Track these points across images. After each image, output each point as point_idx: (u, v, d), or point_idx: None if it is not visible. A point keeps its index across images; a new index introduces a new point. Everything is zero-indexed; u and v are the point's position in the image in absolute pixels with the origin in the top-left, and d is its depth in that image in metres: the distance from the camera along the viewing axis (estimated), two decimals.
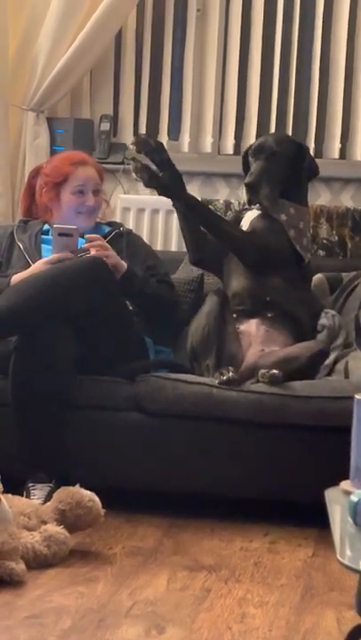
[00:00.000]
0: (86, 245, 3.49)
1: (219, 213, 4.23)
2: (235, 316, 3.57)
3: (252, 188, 3.61)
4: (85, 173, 3.72)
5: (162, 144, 3.57)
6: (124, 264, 3.53)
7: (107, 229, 3.80)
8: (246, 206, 3.72)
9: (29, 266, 3.58)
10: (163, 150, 3.54)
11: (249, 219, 3.65)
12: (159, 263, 3.79)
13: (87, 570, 2.81)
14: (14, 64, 4.55)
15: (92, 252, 3.47)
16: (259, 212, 3.64)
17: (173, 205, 3.69)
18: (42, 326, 3.22)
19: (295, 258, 3.61)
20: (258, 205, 3.63)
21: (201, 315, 3.58)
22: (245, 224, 3.65)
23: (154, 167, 3.53)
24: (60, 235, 3.51)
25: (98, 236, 3.56)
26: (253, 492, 3.34)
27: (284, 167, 3.62)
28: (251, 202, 3.65)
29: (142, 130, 4.68)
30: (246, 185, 3.63)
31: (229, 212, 4.22)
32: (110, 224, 3.88)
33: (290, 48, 4.56)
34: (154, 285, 3.65)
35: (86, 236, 3.54)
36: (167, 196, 3.59)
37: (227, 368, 3.36)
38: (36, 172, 3.89)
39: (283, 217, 3.61)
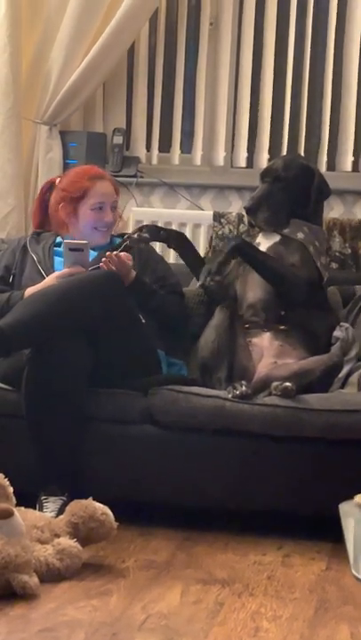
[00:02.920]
0: (102, 265, 3.48)
1: (231, 227, 4.25)
2: (247, 326, 3.57)
3: (249, 212, 3.66)
4: (104, 189, 3.72)
5: (151, 226, 3.71)
6: (133, 273, 3.54)
7: (118, 241, 3.80)
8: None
9: (43, 278, 3.59)
10: (157, 229, 3.70)
11: (267, 242, 3.64)
12: (170, 274, 3.79)
13: (100, 583, 2.80)
14: (27, 77, 4.56)
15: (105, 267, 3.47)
16: (278, 236, 3.63)
17: (185, 260, 3.78)
18: (54, 339, 3.23)
19: (317, 275, 3.63)
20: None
21: (210, 328, 3.58)
22: (263, 246, 3.64)
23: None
24: (70, 250, 3.51)
25: (114, 254, 3.54)
26: (267, 505, 3.34)
27: (289, 190, 3.64)
28: (251, 225, 3.70)
29: (155, 143, 4.68)
30: (245, 209, 3.68)
31: (242, 225, 4.22)
32: (122, 236, 3.88)
33: (303, 60, 4.57)
34: (161, 297, 3.65)
35: (105, 257, 3.52)
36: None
37: (239, 382, 3.35)
38: (48, 187, 3.89)
39: (300, 235, 3.62)
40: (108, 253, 3.48)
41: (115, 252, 3.49)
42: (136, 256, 3.70)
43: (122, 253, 3.51)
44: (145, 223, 4.34)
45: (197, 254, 3.85)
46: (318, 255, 3.65)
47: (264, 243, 3.64)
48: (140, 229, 3.65)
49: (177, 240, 3.74)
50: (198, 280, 3.59)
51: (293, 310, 3.55)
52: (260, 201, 3.65)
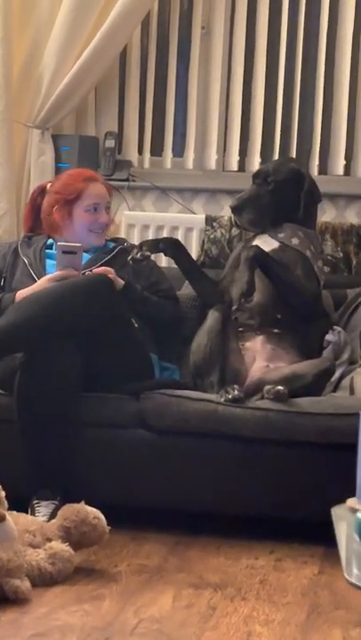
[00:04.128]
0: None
1: (223, 230, 4.25)
2: (241, 329, 3.56)
3: (234, 211, 3.67)
4: (98, 190, 3.73)
5: (149, 242, 3.70)
6: (121, 281, 3.53)
7: (111, 245, 3.81)
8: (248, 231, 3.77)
9: (34, 281, 3.58)
10: (155, 243, 3.69)
11: (265, 247, 3.62)
12: (163, 279, 3.79)
13: (92, 588, 2.80)
14: (19, 81, 4.56)
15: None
16: (277, 243, 3.63)
17: (180, 267, 3.76)
18: (46, 343, 3.22)
19: (317, 285, 3.63)
20: (269, 232, 3.66)
21: (202, 331, 3.58)
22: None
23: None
24: (64, 252, 3.51)
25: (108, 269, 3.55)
26: (259, 509, 3.34)
27: (278, 193, 3.64)
28: (236, 225, 3.70)
29: (147, 146, 4.68)
30: (230, 207, 3.68)
31: (234, 229, 4.22)
32: (115, 240, 3.88)
33: (294, 65, 4.57)
34: (154, 303, 3.64)
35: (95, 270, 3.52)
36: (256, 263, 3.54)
37: (232, 386, 3.35)
38: (40, 191, 3.89)
39: (295, 241, 3.62)
40: (76, 274, 3.47)
41: (90, 270, 3.48)
42: (129, 263, 3.70)
43: (99, 269, 3.51)
44: (142, 239, 4.38)
45: (192, 260, 3.85)
46: (315, 260, 3.65)
47: (262, 247, 3.63)
48: (140, 248, 3.63)
49: (173, 248, 3.73)
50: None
51: (290, 314, 3.55)
52: (245, 201, 3.66)
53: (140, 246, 3.64)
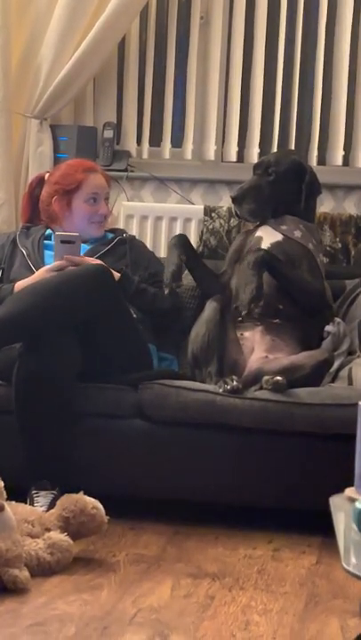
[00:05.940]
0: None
1: (222, 221, 4.24)
2: (240, 319, 3.56)
3: (234, 202, 3.67)
4: (97, 180, 3.74)
5: (175, 264, 3.61)
6: (116, 274, 3.53)
7: (110, 236, 3.81)
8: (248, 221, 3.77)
9: (32, 272, 3.58)
10: (179, 265, 3.62)
11: (269, 239, 3.63)
12: (162, 269, 3.78)
13: (91, 577, 2.81)
14: (18, 71, 4.55)
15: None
16: (281, 236, 3.62)
17: (189, 270, 3.74)
18: (45, 334, 3.22)
19: (322, 282, 3.63)
20: (271, 222, 3.66)
21: (201, 322, 3.58)
22: (265, 242, 3.63)
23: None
24: (62, 242, 3.50)
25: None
26: (257, 499, 3.34)
27: (278, 185, 3.64)
28: (236, 215, 3.69)
29: (146, 137, 4.67)
30: (231, 197, 3.68)
31: (233, 220, 4.22)
32: (113, 231, 3.88)
33: (293, 55, 4.56)
34: (152, 294, 3.64)
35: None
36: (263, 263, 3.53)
37: (230, 377, 3.35)
38: (38, 181, 3.89)
39: (298, 234, 3.62)
40: (66, 257, 3.46)
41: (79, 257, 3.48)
42: (128, 253, 3.70)
43: (86, 257, 3.50)
44: (141, 229, 4.39)
45: (196, 253, 3.84)
46: (317, 253, 3.65)
47: (266, 238, 3.63)
48: (173, 278, 3.57)
49: (182, 245, 3.70)
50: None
51: (292, 305, 3.54)
52: (246, 192, 3.66)
53: (173, 277, 3.58)
